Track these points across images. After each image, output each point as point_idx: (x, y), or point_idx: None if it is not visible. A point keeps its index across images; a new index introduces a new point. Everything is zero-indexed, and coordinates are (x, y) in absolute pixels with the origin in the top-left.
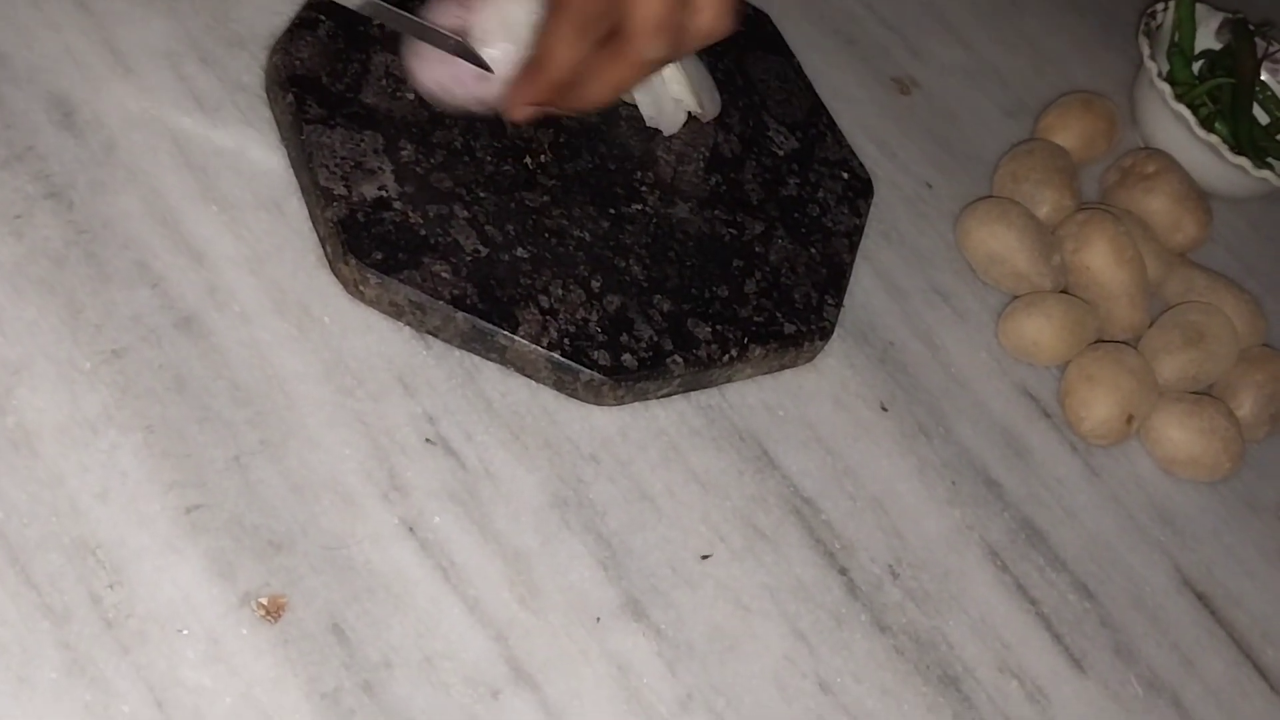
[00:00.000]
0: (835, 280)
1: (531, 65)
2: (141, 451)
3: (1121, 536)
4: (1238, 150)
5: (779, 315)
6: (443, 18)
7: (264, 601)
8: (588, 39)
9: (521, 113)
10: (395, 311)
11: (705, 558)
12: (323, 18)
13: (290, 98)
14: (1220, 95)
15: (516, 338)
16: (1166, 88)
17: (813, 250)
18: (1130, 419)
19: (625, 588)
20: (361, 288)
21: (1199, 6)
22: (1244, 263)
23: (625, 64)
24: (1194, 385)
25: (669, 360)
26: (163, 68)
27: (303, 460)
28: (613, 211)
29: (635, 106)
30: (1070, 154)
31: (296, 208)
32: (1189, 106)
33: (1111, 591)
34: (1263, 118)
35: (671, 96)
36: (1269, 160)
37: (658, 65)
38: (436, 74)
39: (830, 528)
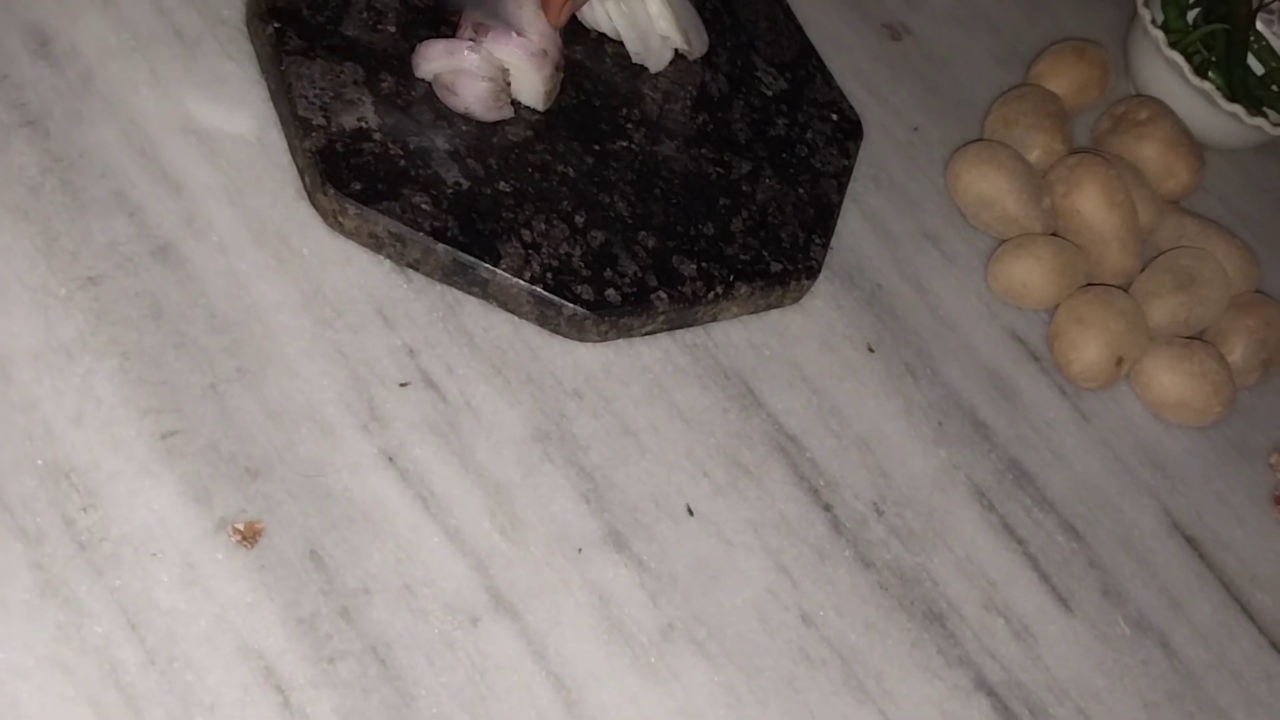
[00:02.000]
0: (823, 220)
1: None
2: (117, 377)
3: (1110, 479)
4: (1231, 98)
5: (765, 254)
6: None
7: (240, 527)
8: None
9: (564, 12)
10: (375, 244)
11: (691, 513)
12: None
13: (270, 29)
14: (1214, 43)
15: (498, 271)
16: (1160, 35)
17: (800, 190)
18: (1120, 361)
19: (607, 520)
20: (340, 219)
21: None
22: (1236, 211)
23: None
24: (1185, 330)
25: (653, 296)
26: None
27: (280, 389)
28: (598, 148)
29: (621, 43)
30: (1062, 100)
31: (275, 139)
32: (1182, 54)
33: (1099, 533)
34: (1257, 68)
35: (658, 33)
36: (1263, 109)
37: None
38: (436, 68)
39: (815, 465)
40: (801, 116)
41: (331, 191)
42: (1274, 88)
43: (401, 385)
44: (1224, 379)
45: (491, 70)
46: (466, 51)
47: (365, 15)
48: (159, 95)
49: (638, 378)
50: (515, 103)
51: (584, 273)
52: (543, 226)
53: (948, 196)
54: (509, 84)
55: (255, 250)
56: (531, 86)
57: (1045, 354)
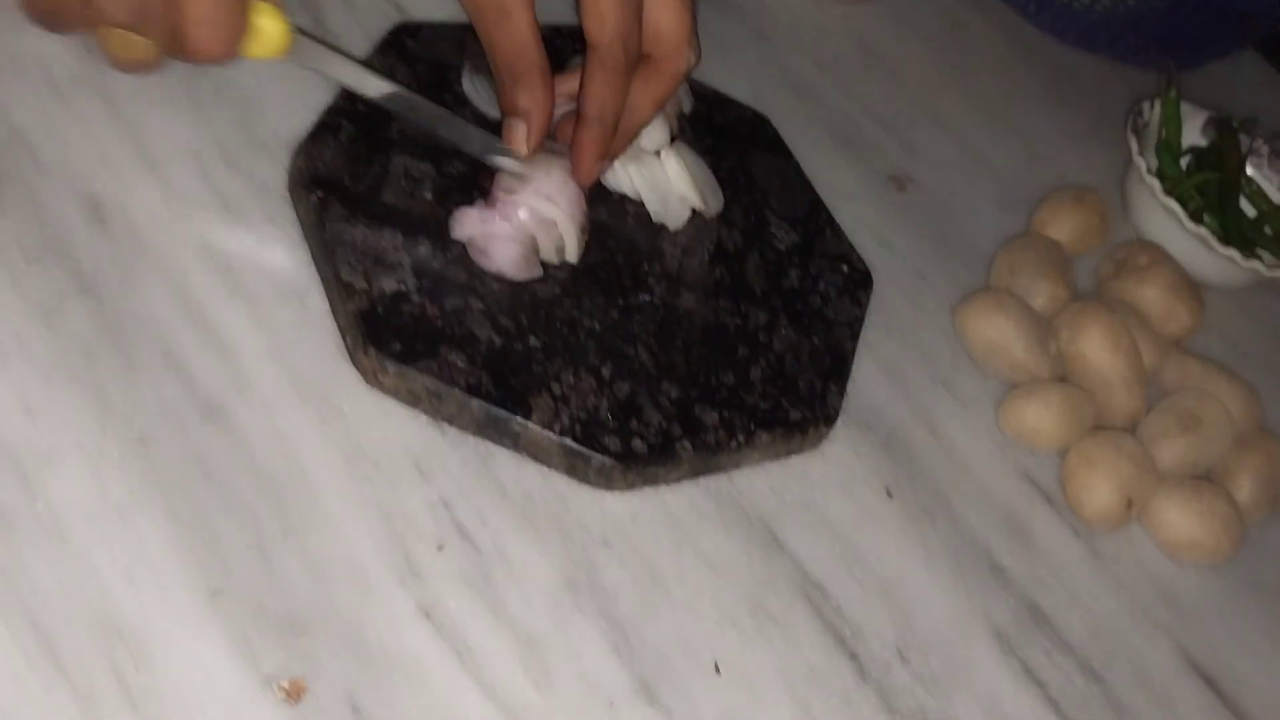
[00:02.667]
0: (838, 368)
1: (585, 123)
2: (167, 536)
3: (1126, 619)
4: (1226, 241)
5: (784, 402)
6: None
7: (285, 684)
8: (626, 76)
9: (591, 172)
10: (412, 400)
11: (718, 670)
12: (344, 122)
13: (315, 198)
14: (1208, 189)
15: (530, 424)
16: (1156, 182)
17: (815, 339)
18: (1130, 503)
19: (637, 672)
20: (380, 377)
21: (1184, 105)
22: (1238, 349)
23: (662, 81)
24: (1192, 470)
25: (678, 446)
26: (190, 170)
27: (322, 545)
28: (621, 302)
29: (642, 204)
30: (1064, 247)
31: (318, 301)
32: (1178, 200)
33: (1118, 674)
34: (1250, 210)
35: (676, 193)
36: (1257, 251)
37: (685, 78)
38: (470, 232)
39: (840, 612)
40: (814, 268)
41: (373, 352)
42: (1267, 230)
43: (439, 548)
44: (1233, 518)
45: (522, 234)
46: (498, 218)
47: (404, 183)
48: (207, 261)
49: (664, 526)
50: (544, 262)
51: (611, 424)
52: (571, 379)
53: (958, 342)
54: (538, 246)
55: (299, 409)
56: (560, 248)
57: (1058, 496)
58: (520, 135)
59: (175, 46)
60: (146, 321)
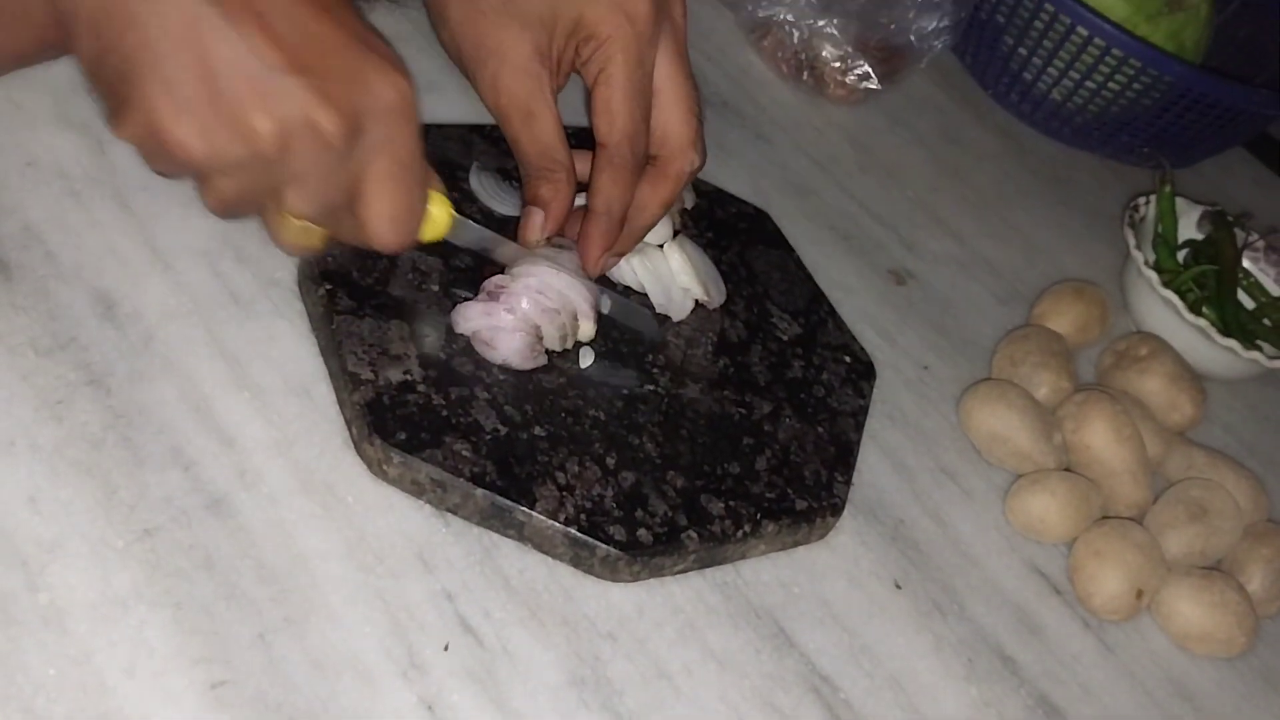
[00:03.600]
0: (843, 458)
1: (593, 217)
2: (169, 628)
3: (1139, 713)
4: (1226, 333)
5: (790, 491)
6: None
7: None
8: (634, 175)
9: (598, 264)
10: (417, 490)
11: None
12: None
13: (323, 291)
14: (1205, 281)
15: (534, 514)
16: (1154, 275)
17: (820, 429)
18: (1140, 594)
19: None
20: (385, 467)
21: (1179, 200)
22: (1241, 441)
23: (668, 183)
24: (1201, 560)
25: (684, 536)
26: (200, 265)
27: (324, 637)
28: (626, 392)
29: (646, 295)
30: (1065, 339)
31: (324, 392)
32: (1176, 292)
33: None
34: (1248, 303)
35: (680, 286)
36: (1257, 342)
37: (691, 179)
38: (474, 327)
39: (849, 706)
40: (816, 359)
41: (378, 442)
42: (1265, 321)
43: (444, 649)
44: (1245, 609)
45: (525, 324)
46: (501, 310)
47: (411, 276)
48: (215, 354)
49: (671, 618)
50: (549, 351)
51: (616, 513)
52: (576, 469)
53: (961, 433)
54: (542, 337)
55: (303, 500)
56: (564, 336)
57: (1067, 587)
58: (537, 223)
59: (358, 239)
60: (153, 414)
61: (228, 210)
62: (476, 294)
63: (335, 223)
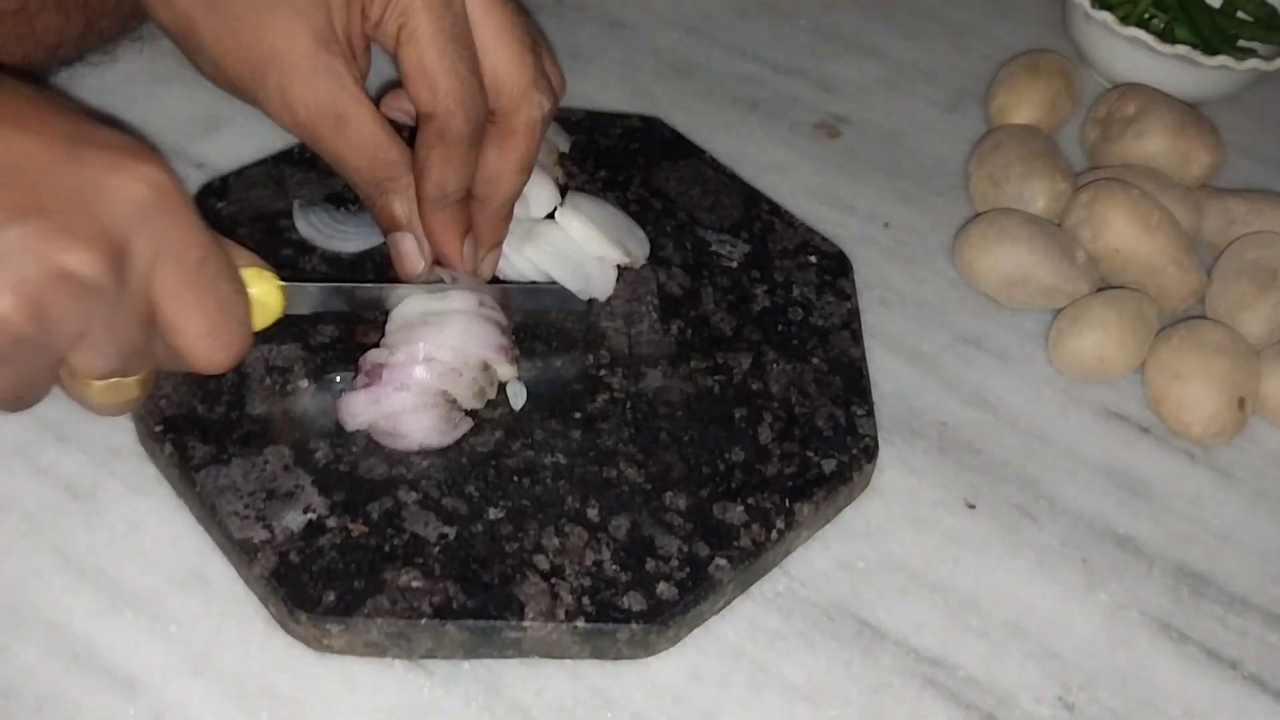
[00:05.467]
0: (854, 384)
1: (428, 208)
2: None
3: None
4: (1212, 50)
5: (811, 455)
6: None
7: None
8: (472, 144)
9: (456, 254)
10: (376, 650)
11: None
12: None
13: (168, 447)
14: (1164, 0)
15: (527, 623)
16: (1107, 15)
17: (815, 360)
18: (1241, 401)
19: None
20: (325, 640)
21: None
22: (1270, 162)
23: (517, 140)
24: None
25: (711, 568)
26: (15, 468)
27: None
28: (578, 415)
29: (556, 284)
30: (1039, 129)
31: (221, 569)
32: (1140, 25)
33: None
34: (1213, 2)
35: (593, 257)
36: (1244, 45)
37: (546, 125)
38: (367, 417)
39: (975, 684)
40: (778, 274)
41: (303, 617)
42: (1241, 15)
43: None
44: None
45: (428, 396)
46: (392, 390)
47: (268, 380)
48: (72, 576)
49: (733, 670)
50: (470, 412)
51: (623, 578)
52: (556, 542)
53: (969, 288)
54: (455, 400)
55: None
56: (479, 391)
57: (1154, 421)
58: (410, 250)
59: (181, 369)
60: (23, 690)
61: (15, 404)
62: (357, 372)
63: (146, 363)
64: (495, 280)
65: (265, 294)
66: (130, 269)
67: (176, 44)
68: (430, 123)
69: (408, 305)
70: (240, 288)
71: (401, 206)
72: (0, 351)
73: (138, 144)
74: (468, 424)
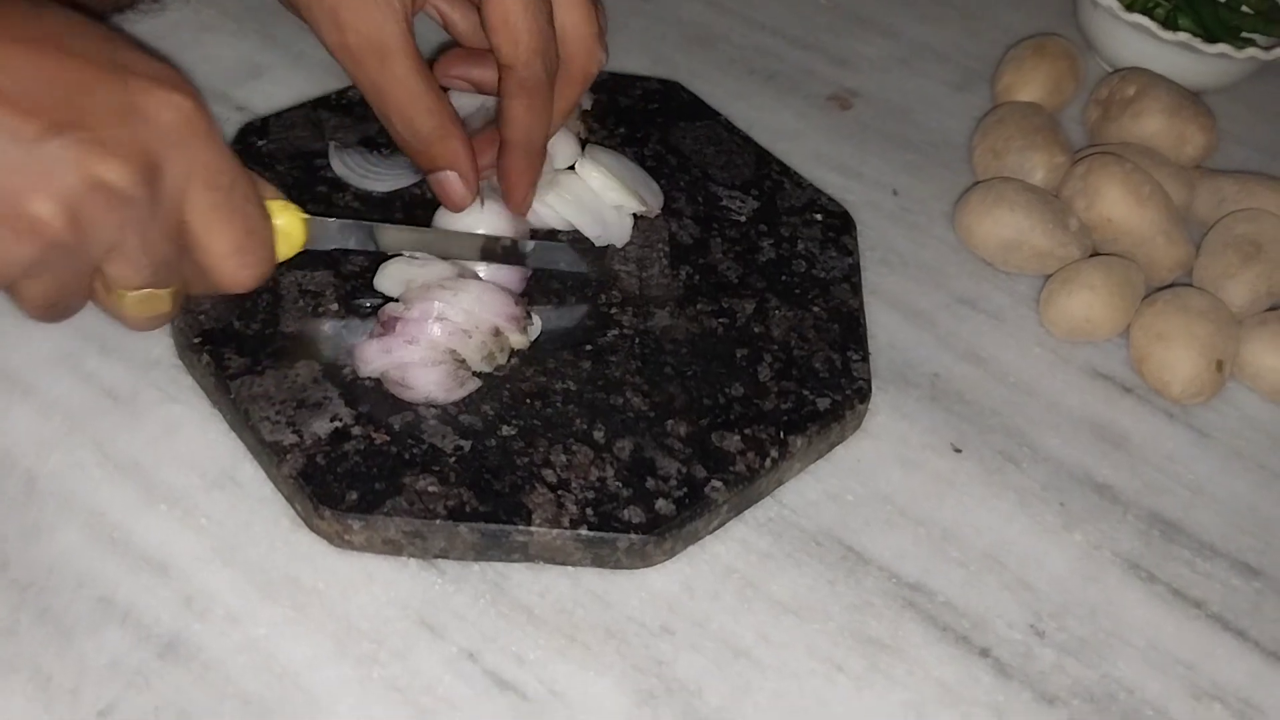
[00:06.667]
0: (851, 332)
1: (513, 152)
2: None
3: (1261, 492)
4: (1212, 39)
5: (806, 393)
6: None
7: None
8: (549, 95)
9: (527, 202)
10: (392, 548)
11: None
12: None
13: (206, 357)
14: None
15: (534, 528)
16: (1112, 2)
17: (815, 309)
18: (1220, 364)
19: None
20: (347, 536)
21: None
22: (1263, 149)
23: (574, 87)
24: (1270, 300)
25: (708, 489)
26: (61, 374)
27: None
28: (589, 348)
29: (575, 231)
30: (1042, 107)
31: (251, 472)
32: (1143, 12)
33: (1277, 559)
34: None
35: (610, 205)
36: (1245, 36)
37: (594, 77)
38: (378, 365)
39: (952, 608)
40: (785, 230)
41: (328, 513)
42: (1245, 8)
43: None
44: None
45: (438, 353)
46: (404, 343)
47: (302, 303)
48: (112, 472)
49: (724, 585)
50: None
51: (624, 493)
52: (564, 459)
53: (967, 251)
54: (463, 360)
55: (269, 608)
56: (488, 355)
57: (1137, 382)
58: (456, 187)
59: (208, 287)
60: (64, 569)
61: (53, 312)
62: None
63: (177, 278)
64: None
65: (289, 224)
66: (163, 186)
67: None
68: (511, 73)
69: (430, 269)
70: (265, 214)
71: (443, 148)
72: (39, 257)
73: (174, 73)
74: (474, 384)
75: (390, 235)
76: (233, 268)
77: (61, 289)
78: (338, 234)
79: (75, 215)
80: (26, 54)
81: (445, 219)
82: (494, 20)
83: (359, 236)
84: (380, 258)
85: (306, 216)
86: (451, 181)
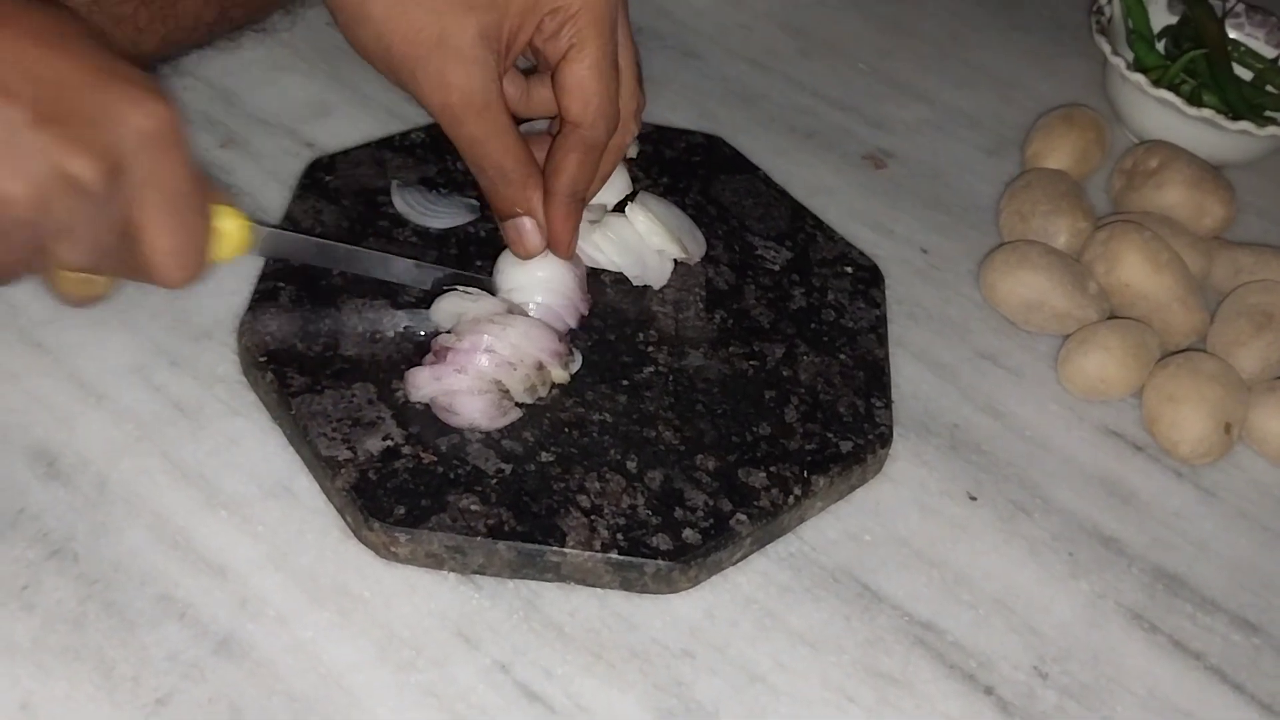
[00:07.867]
0: (876, 379)
1: (559, 201)
2: None
3: (1263, 552)
4: (1235, 116)
5: (830, 435)
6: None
7: None
8: (601, 154)
9: (572, 246)
10: (434, 562)
11: None
12: (282, 285)
13: (270, 376)
14: (1196, 68)
15: (567, 550)
16: (1140, 77)
17: (842, 356)
18: (1228, 427)
19: None
20: (393, 548)
21: None
22: None
23: (611, 156)
24: (1279, 369)
25: (733, 522)
26: (134, 384)
27: None
28: (626, 383)
29: (618, 273)
30: (1068, 175)
31: (305, 484)
32: (1170, 88)
33: (1276, 616)
34: (1245, 74)
35: (653, 250)
36: (1268, 115)
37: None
38: (428, 391)
39: (960, 647)
40: (816, 280)
41: (377, 525)
42: (1270, 89)
43: None
44: None
45: (484, 383)
46: (453, 371)
47: (361, 329)
48: (177, 478)
49: (744, 613)
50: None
51: (654, 521)
52: (598, 486)
53: (990, 309)
54: (507, 391)
55: (317, 612)
56: (530, 387)
57: (1147, 440)
58: (530, 234)
59: (142, 278)
60: (130, 567)
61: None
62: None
63: (115, 266)
64: None
65: (232, 228)
66: (121, 185)
67: (337, 15)
68: (575, 130)
69: (482, 304)
70: (208, 223)
71: (520, 195)
72: (1, 227)
73: (155, 85)
74: (516, 414)
75: (338, 253)
76: (167, 266)
77: (10, 257)
78: (295, 245)
79: (40, 198)
80: (37, 52)
81: (508, 261)
82: (569, 82)
83: (311, 252)
84: (435, 291)
85: (254, 225)
86: (528, 228)
